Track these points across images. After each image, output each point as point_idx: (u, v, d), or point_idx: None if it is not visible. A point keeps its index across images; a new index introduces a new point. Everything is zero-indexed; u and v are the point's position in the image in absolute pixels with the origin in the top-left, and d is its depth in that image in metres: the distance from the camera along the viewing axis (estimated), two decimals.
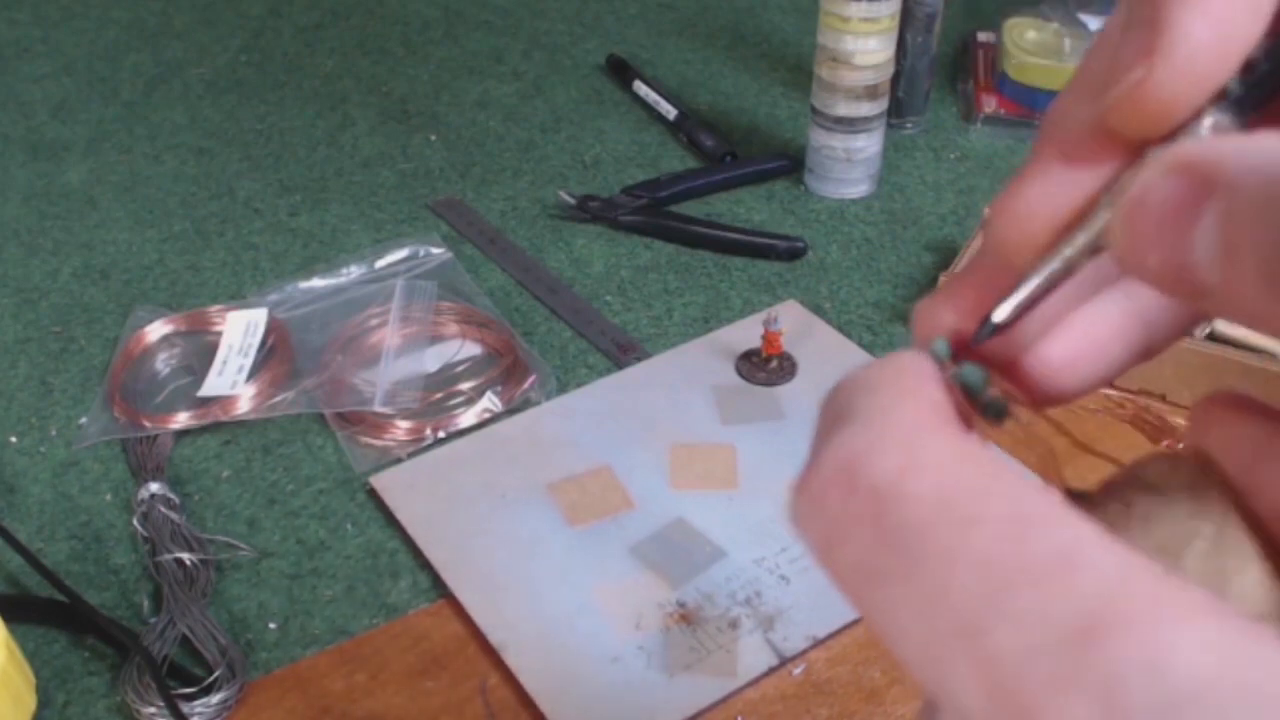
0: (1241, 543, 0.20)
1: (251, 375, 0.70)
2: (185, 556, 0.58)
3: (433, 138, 0.96)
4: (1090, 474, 0.64)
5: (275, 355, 0.72)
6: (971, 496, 0.18)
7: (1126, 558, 0.17)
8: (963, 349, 0.24)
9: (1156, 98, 0.20)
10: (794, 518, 0.20)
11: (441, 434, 0.67)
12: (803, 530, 0.20)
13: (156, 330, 0.74)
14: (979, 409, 0.23)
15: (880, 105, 0.84)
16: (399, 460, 0.65)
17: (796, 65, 1.04)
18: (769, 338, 0.70)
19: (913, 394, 0.20)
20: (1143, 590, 0.16)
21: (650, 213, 0.84)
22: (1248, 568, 0.20)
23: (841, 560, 0.19)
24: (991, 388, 0.23)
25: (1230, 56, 0.19)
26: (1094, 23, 0.94)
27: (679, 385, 0.70)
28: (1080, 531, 0.17)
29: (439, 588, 0.59)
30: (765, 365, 0.70)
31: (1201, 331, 0.68)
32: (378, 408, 0.67)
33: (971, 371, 0.23)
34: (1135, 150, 0.21)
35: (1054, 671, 0.16)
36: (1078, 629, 0.16)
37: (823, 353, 0.72)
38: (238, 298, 0.78)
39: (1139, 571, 0.16)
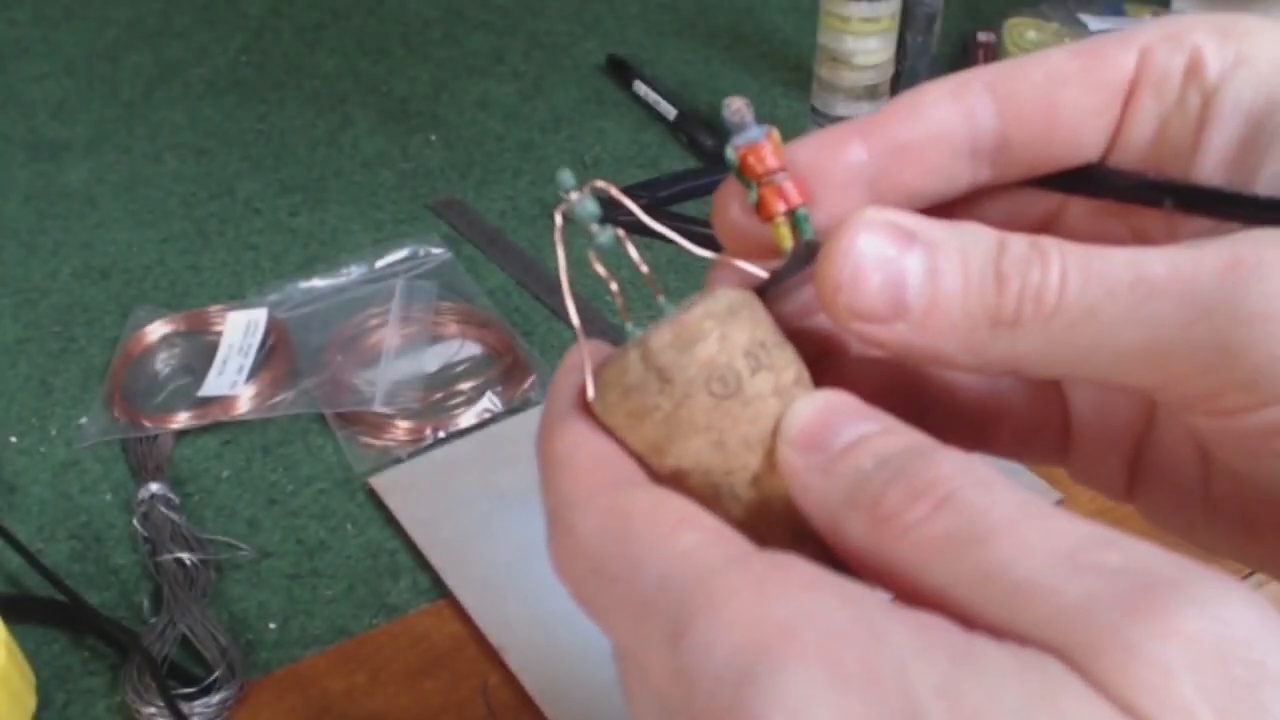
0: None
1: (251, 375, 0.70)
2: (185, 556, 0.58)
3: (433, 138, 0.96)
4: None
5: (275, 355, 0.72)
6: (609, 556, 0.24)
7: (701, 563, 0.22)
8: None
9: None
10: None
11: (441, 434, 0.67)
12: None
13: (156, 330, 0.74)
14: (592, 238, 0.27)
15: (880, 105, 0.84)
16: (399, 460, 0.65)
17: (796, 65, 1.04)
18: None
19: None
20: (704, 592, 0.21)
21: (650, 213, 0.84)
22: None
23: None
24: (596, 224, 0.27)
25: None
26: (1094, 23, 0.94)
27: None
28: (672, 552, 0.22)
29: (439, 588, 0.59)
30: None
31: None
32: (378, 408, 0.67)
33: (587, 207, 0.27)
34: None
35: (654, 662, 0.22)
36: (670, 638, 0.21)
37: None
38: (238, 298, 0.78)
39: (706, 574, 0.22)
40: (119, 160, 0.93)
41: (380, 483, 0.64)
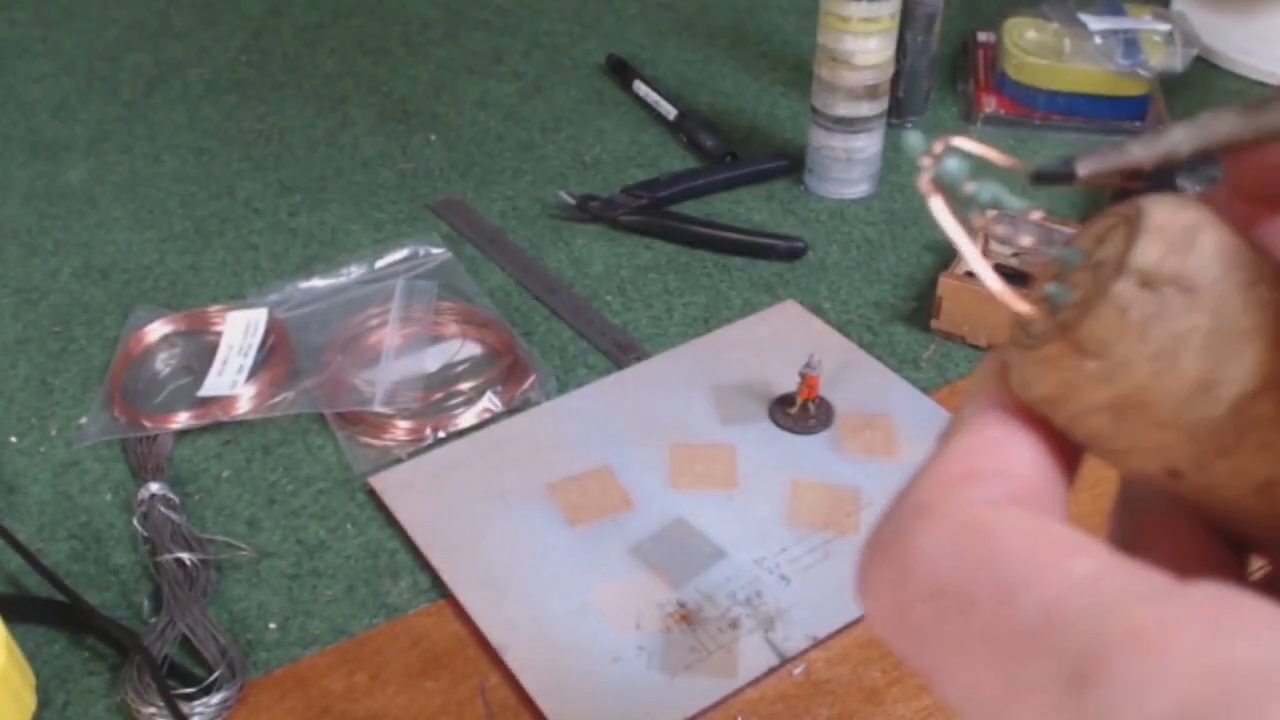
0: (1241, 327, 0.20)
1: (251, 375, 0.70)
2: (185, 556, 0.58)
3: (433, 138, 0.96)
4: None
5: (275, 355, 0.72)
6: (966, 578, 0.19)
7: (1111, 592, 0.17)
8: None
9: None
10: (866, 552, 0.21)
11: (441, 434, 0.67)
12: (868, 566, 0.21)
13: (156, 330, 0.74)
14: (958, 201, 0.22)
15: (880, 105, 0.84)
16: (399, 460, 0.65)
17: (796, 65, 1.04)
18: (809, 382, 0.66)
19: (941, 464, 0.21)
20: (1125, 626, 0.17)
21: (650, 213, 0.84)
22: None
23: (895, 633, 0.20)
24: (971, 182, 0.22)
25: None
26: (1094, 22, 0.94)
27: (679, 385, 0.70)
28: (1065, 580, 0.18)
29: (439, 588, 0.59)
30: (806, 413, 0.67)
31: None
32: (378, 408, 0.67)
33: (951, 165, 0.22)
34: None
35: None
36: (1070, 683, 0.17)
37: (822, 353, 0.72)
38: (238, 298, 0.78)
39: (1122, 605, 0.17)
40: (119, 160, 0.93)
41: (380, 483, 0.64)
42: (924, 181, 0.21)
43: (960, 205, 0.22)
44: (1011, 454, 0.21)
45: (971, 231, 0.22)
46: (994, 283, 0.22)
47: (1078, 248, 0.22)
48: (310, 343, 0.73)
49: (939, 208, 0.21)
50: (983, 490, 0.20)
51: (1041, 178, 0.22)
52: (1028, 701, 0.17)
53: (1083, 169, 0.22)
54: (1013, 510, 0.20)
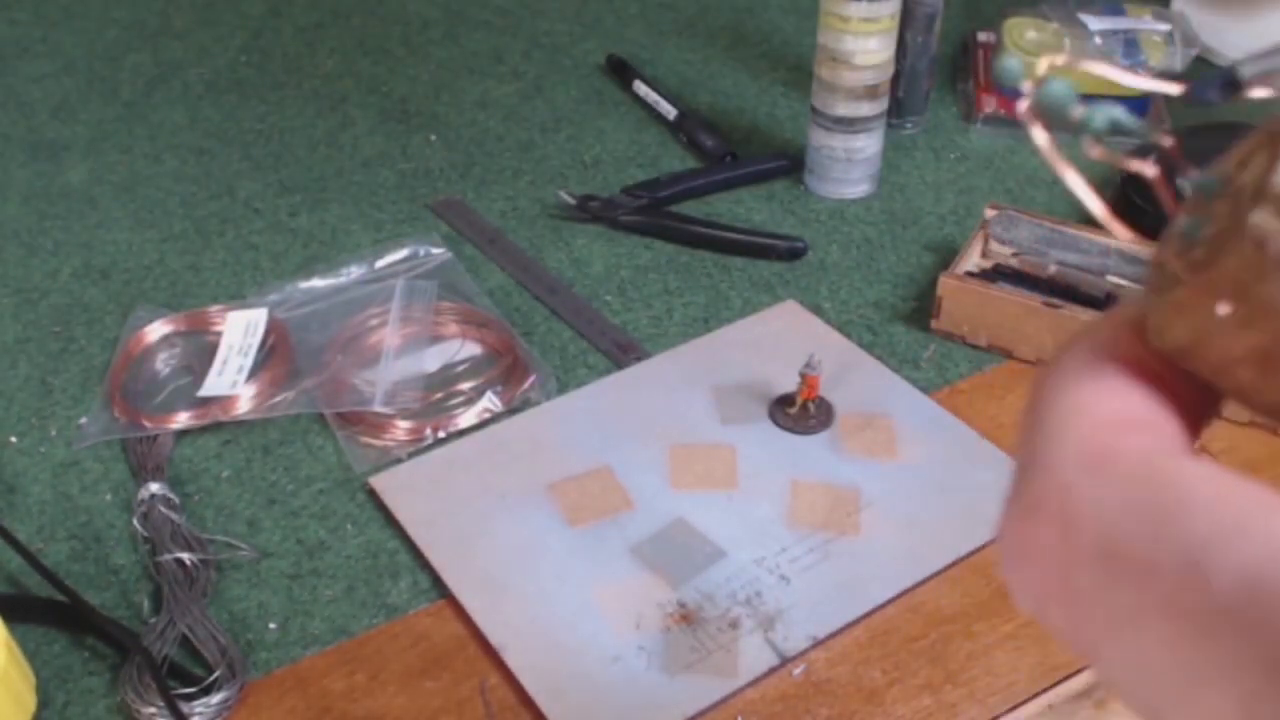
0: None
1: (251, 375, 0.70)
2: (185, 556, 0.58)
3: (433, 138, 0.96)
4: None
5: (275, 355, 0.72)
6: (1146, 537, 0.16)
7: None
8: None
9: None
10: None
11: (441, 434, 0.67)
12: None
13: (156, 330, 0.74)
14: (1064, 127, 0.20)
15: (880, 105, 0.84)
16: (399, 460, 0.65)
17: (796, 65, 1.04)
18: (809, 382, 0.66)
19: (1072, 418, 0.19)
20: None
21: (650, 213, 0.84)
22: None
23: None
24: (1081, 105, 0.19)
25: None
26: (1094, 22, 0.94)
27: (679, 385, 0.70)
28: (1274, 541, 0.15)
29: (439, 588, 0.59)
30: (806, 413, 0.67)
31: None
32: (378, 408, 0.67)
33: (1057, 86, 0.19)
34: None
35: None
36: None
37: (822, 353, 0.72)
38: (238, 298, 0.78)
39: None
40: (119, 160, 0.93)
41: (380, 483, 0.64)
42: (1025, 108, 0.19)
43: (1068, 131, 0.20)
44: (1150, 404, 0.18)
45: (1069, 161, 0.20)
46: (1097, 207, 0.20)
47: (1217, 173, 0.19)
48: (310, 343, 0.73)
49: (1040, 137, 0.19)
50: (1144, 439, 0.17)
51: (1198, 97, 0.20)
52: (1218, 687, 0.14)
53: (1247, 71, 0.20)
54: (1192, 460, 0.17)
